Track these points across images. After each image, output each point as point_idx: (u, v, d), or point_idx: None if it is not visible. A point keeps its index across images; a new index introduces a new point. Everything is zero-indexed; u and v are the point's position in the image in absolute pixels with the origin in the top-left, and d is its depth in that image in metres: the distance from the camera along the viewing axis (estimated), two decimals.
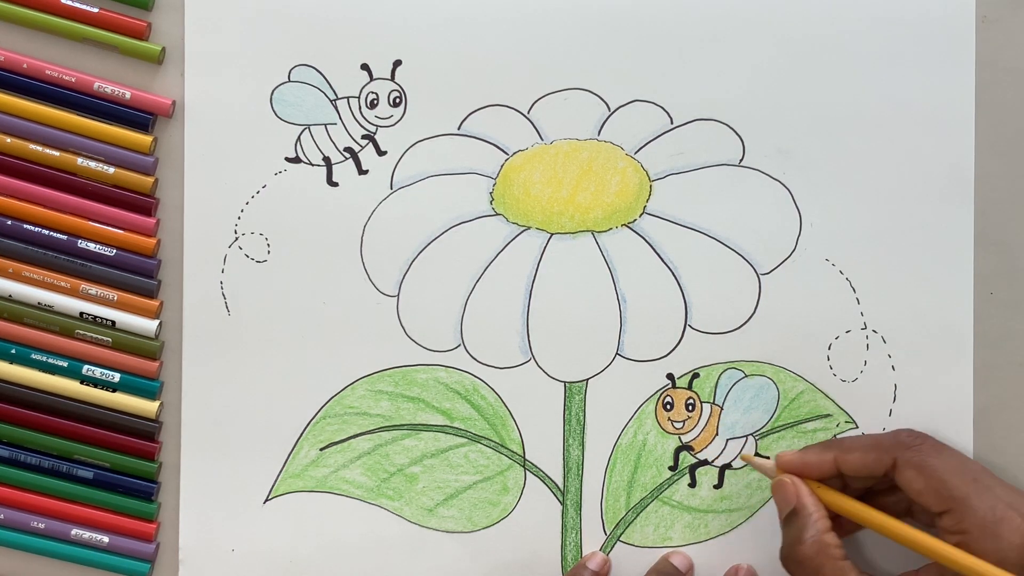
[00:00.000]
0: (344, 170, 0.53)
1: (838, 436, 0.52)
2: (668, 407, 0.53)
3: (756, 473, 0.52)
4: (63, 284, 0.53)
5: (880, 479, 0.49)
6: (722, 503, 0.53)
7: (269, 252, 0.53)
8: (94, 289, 0.53)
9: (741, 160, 0.52)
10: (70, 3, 0.52)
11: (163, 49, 0.53)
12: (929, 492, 0.46)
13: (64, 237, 0.53)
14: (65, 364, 0.53)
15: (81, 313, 0.53)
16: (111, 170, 0.53)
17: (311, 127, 0.53)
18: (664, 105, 0.52)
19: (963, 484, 0.46)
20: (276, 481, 0.53)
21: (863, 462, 0.48)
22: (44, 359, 0.53)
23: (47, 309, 0.53)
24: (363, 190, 0.53)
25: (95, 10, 0.52)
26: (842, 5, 0.52)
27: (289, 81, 0.53)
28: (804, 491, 0.49)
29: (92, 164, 0.52)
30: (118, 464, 0.53)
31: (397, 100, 0.52)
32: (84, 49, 0.53)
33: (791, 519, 0.49)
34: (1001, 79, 0.52)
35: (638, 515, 0.53)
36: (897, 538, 0.47)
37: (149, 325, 0.53)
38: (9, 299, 0.53)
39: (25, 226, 0.53)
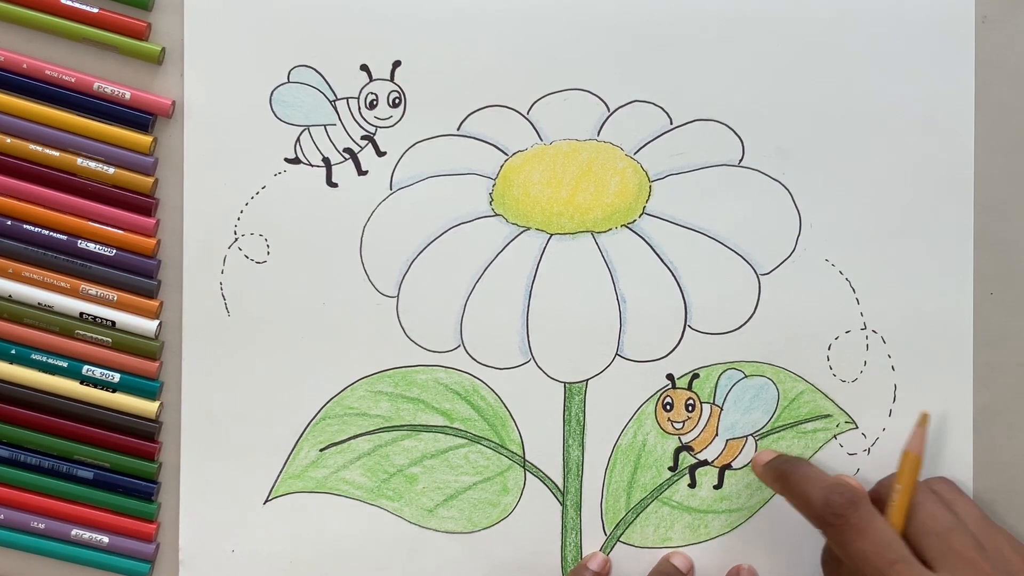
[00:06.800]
0: (344, 171, 0.53)
1: (841, 443, 0.52)
2: (668, 407, 0.53)
3: None
4: (63, 284, 0.53)
5: None
6: (722, 503, 0.53)
7: (269, 253, 0.53)
8: (94, 289, 0.53)
9: (741, 160, 0.52)
10: (70, 3, 0.52)
11: (163, 49, 0.53)
12: (848, 571, 0.47)
13: (64, 237, 0.53)
14: (65, 364, 0.53)
15: (81, 313, 0.53)
16: (111, 170, 0.53)
17: (310, 128, 0.53)
18: (664, 105, 0.52)
19: (875, 573, 0.44)
20: (276, 482, 0.53)
21: (796, 510, 0.48)
22: (44, 359, 0.53)
23: (47, 309, 0.53)
24: (363, 191, 0.53)
25: (95, 10, 0.52)
26: (842, 5, 0.52)
27: (288, 82, 0.53)
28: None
29: (92, 164, 0.52)
30: (118, 464, 0.53)
31: (396, 101, 0.52)
32: (84, 49, 0.53)
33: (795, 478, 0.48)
34: (1001, 79, 0.52)
35: (638, 515, 0.53)
36: None
37: (149, 325, 0.53)
38: (9, 299, 0.53)
39: (25, 226, 0.53)
